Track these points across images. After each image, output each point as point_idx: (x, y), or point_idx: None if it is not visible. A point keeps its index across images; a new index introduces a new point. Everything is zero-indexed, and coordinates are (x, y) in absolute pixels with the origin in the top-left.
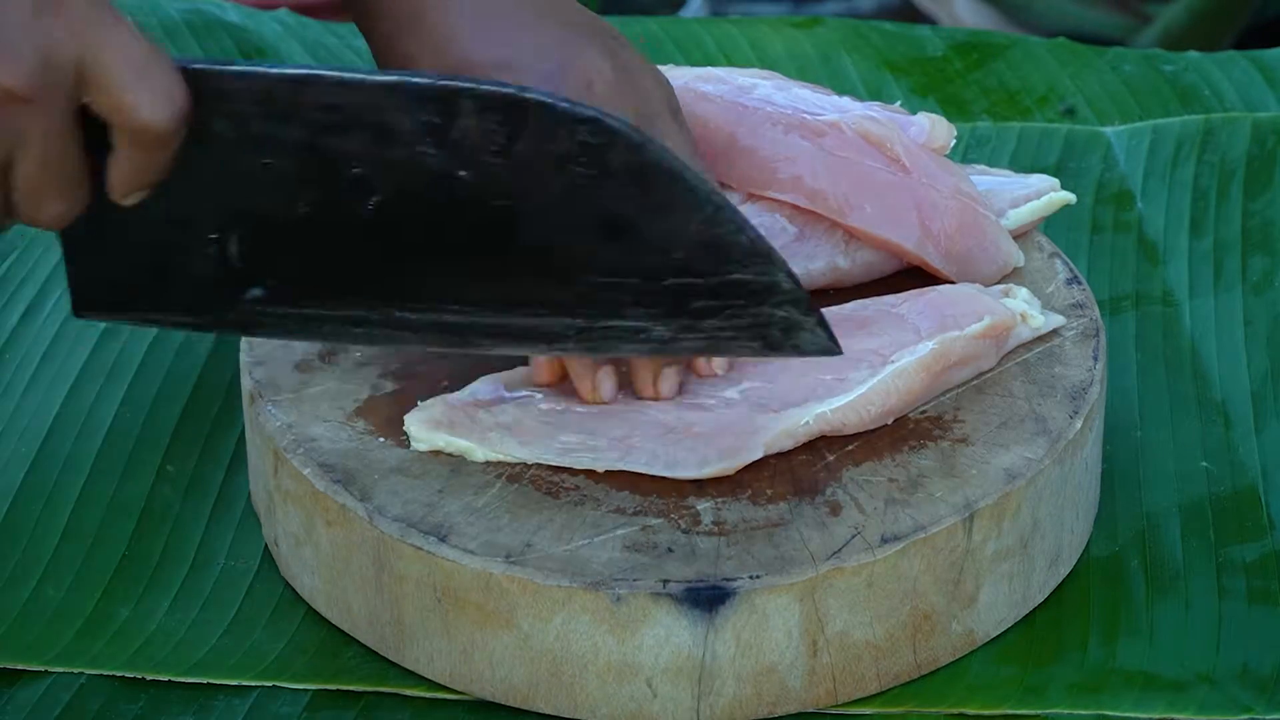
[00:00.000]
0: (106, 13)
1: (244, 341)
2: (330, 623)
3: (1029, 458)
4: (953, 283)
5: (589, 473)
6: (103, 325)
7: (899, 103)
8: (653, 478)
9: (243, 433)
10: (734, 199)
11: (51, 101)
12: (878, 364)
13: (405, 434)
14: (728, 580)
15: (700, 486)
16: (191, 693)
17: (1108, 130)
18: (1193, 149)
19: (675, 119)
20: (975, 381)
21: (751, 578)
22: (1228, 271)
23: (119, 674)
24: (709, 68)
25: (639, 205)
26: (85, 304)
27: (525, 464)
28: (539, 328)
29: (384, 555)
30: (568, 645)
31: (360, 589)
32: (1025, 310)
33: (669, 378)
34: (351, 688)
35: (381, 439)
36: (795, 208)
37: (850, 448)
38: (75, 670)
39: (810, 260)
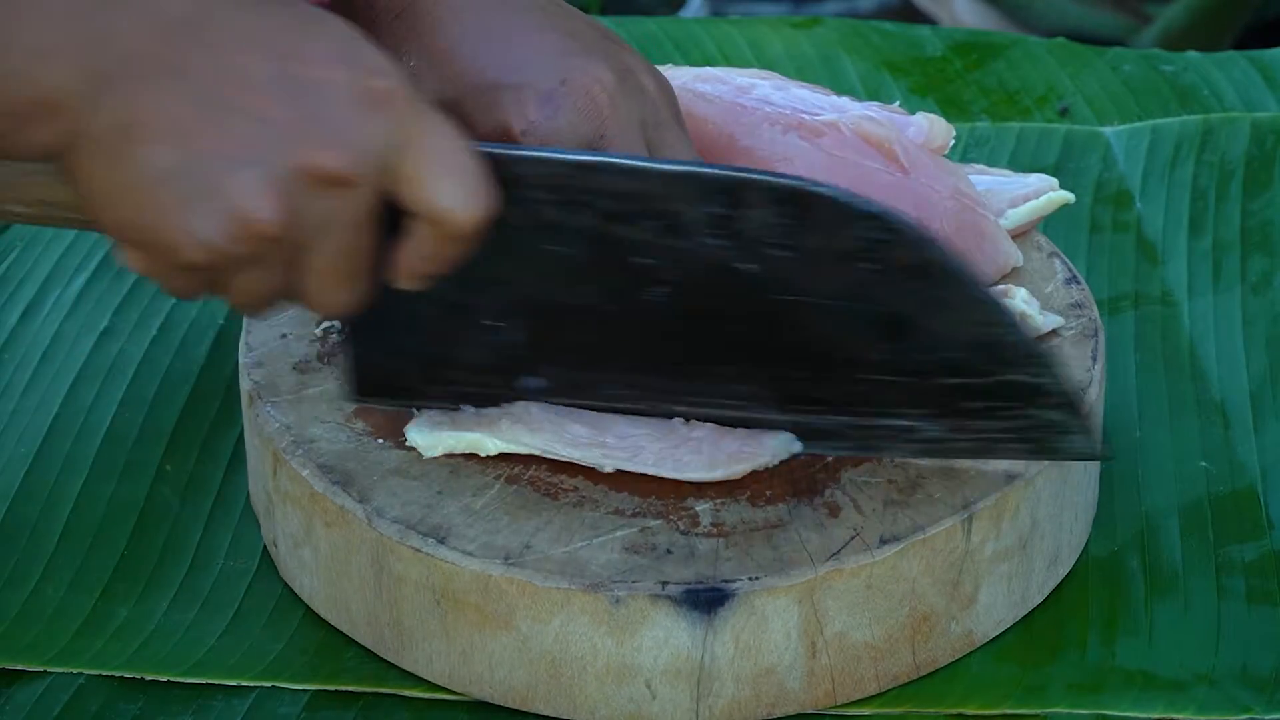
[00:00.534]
0: (426, 107)
1: (243, 343)
2: (329, 623)
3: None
4: None
5: (588, 474)
6: (103, 325)
7: (898, 103)
8: (652, 479)
9: (241, 433)
10: None
11: (363, 189)
12: None
13: (404, 435)
14: (727, 582)
15: (699, 488)
16: (191, 693)
17: (1107, 130)
18: (1192, 149)
19: (678, 124)
20: None
21: (750, 579)
22: (1227, 271)
23: (118, 674)
24: (708, 68)
25: (918, 303)
26: (365, 389)
27: (524, 465)
28: (814, 425)
29: (383, 556)
30: (567, 647)
31: (359, 590)
32: (1024, 310)
33: None
34: (350, 688)
35: (380, 440)
36: None
37: None
38: (74, 670)
39: None
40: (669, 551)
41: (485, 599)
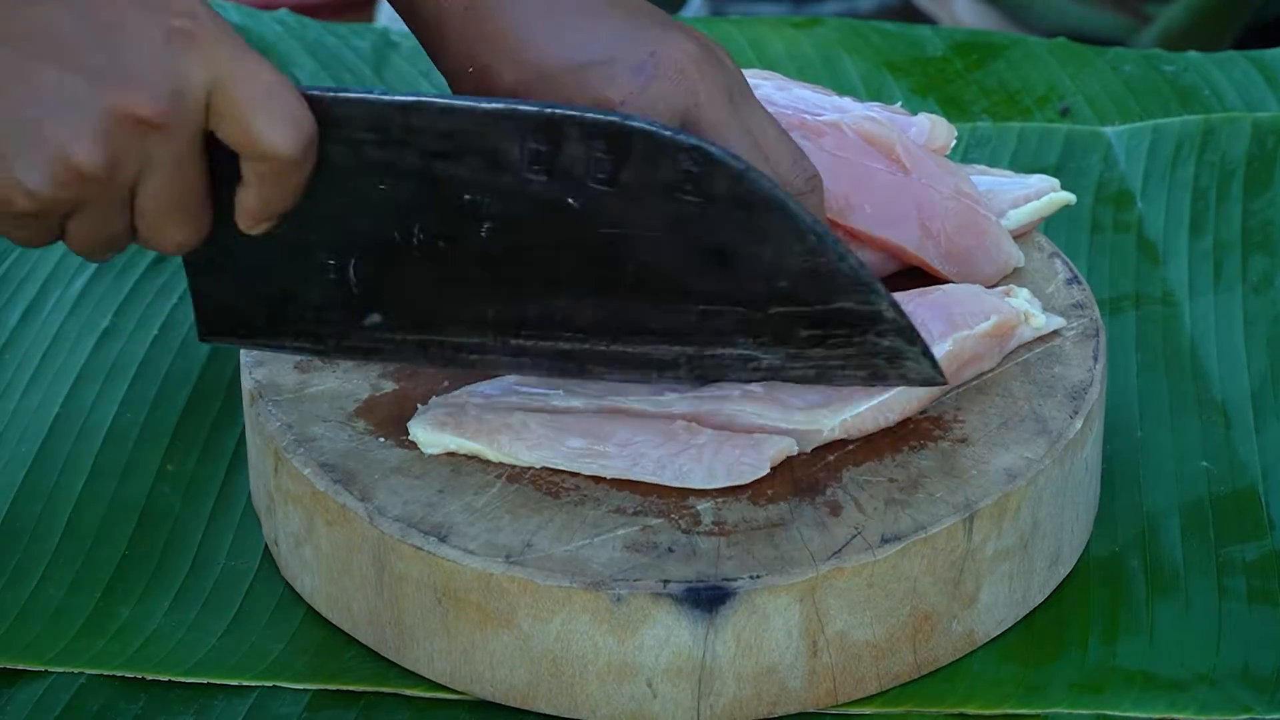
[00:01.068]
0: (236, 43)
1: None
2: (330, 623)
3: (1029, 458)
4: (953, 283)
5: None
6: (103, 325)
7: (899, 103)
8: None
9: (243, 433)
10: None
11: (180, 129)
12: None
13: (406, 434)
14: (728, 580)
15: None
16: (191, 693)
17: (1108, 130)
18: (1193, 149)
19: (754, 96)
20: (975, 382)
21: (752, 578)
22: (1228, 271)
23: (119, 674)
24: None
25: (743, 233)
26: (210, 329)
27: (525, 464)
28: (650, 355)
29: (384, 555)
30: (568, 645)
31: (360, 589)
32: (1027, 310)
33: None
34: (351, 688)
35: (382, 439)
36: None
37: (850, 448)
38: (75, 670)
39: None
40: (670, 550)
41: (487, 598)
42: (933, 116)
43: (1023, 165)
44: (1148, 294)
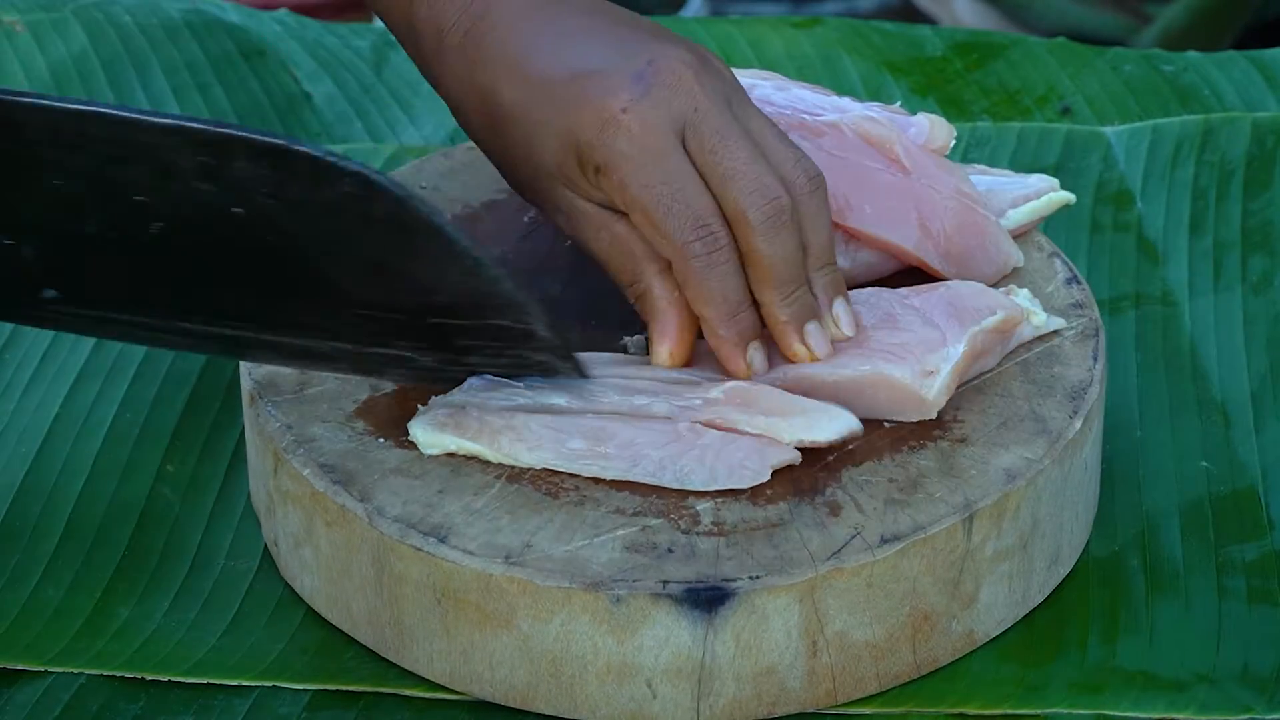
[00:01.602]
0: None
1: None
2: (330, 623)
3: (1029, 458)
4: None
5: None
6: None
7: (899, 103)
8: None
9: (242, 433)
10: None
11: None
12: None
13: (405, 435)
14: (727, 581)
15: None
16: (191, 693)
17: (1107, 130)
18: (1192, 149)
19: (751, 101)
20: (975, 381)
21: (751, 578)
22: (1227, 271)
23: (119, 674)
24: None
25: (399, 253)
26: None
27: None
28: (311, 348)
29: (383, 556)
30: (567, 646)
31: (360, 589)
32: (1028, 308)
33: (815, 334)
34: (351, 688)
35: (381, 440)
36: None
37: (850, 448)
38: (75, 670)
39: None
40: (670, 550)
41: (486, 598)
42: (932, 116)
43: (1022, 165)
44: (1147, 294)
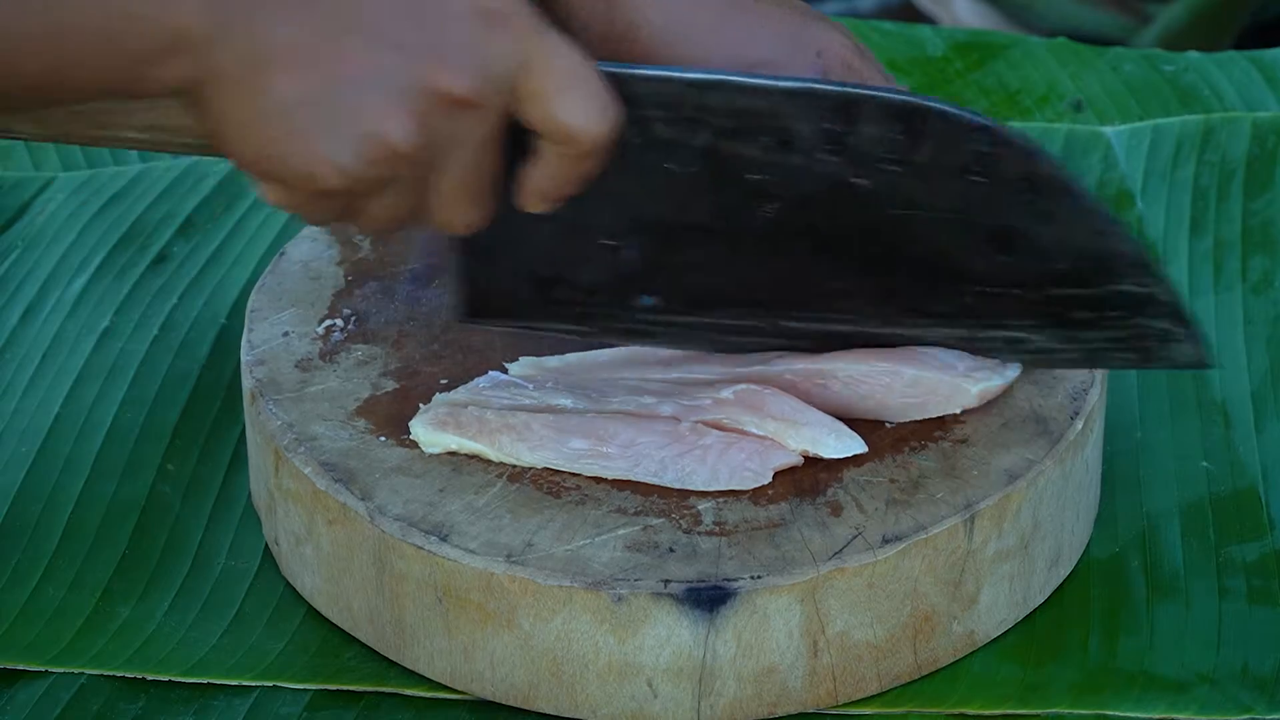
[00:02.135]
0: (546, 27)
1: (245, 340)
2: (331, 622)
3: (1029, 458)
4: None
5: None
6: (103, 325)
7: None
8: None
9: (243, 432)
10: None
11: (489, 109)
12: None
13: (407, 433)
14: (729, 580)
15: None
16: (191, 693)
17: (1108, 130)
18: (1193, 149)
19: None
20: None
21: (752, 578)
22: (1228, 271)
23: (119, 674)
24: None
25: (1027, 215)
26: (473, 311)
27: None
28: (923, 338)
29: (385, 554)
30: (568, 645)
31: (361, 588)
32: None
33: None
34: (352, 687)
35: (382, 438)
36: None
37: None
38: (75, 670)
39: None
40: (671, 550)
41: (487, 597)
42: None
43: None
44: None
